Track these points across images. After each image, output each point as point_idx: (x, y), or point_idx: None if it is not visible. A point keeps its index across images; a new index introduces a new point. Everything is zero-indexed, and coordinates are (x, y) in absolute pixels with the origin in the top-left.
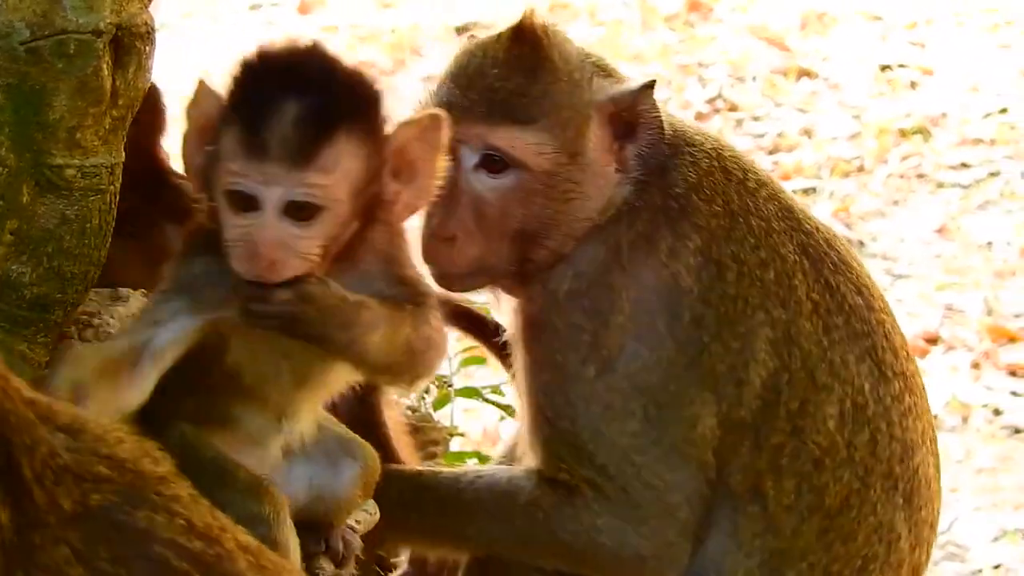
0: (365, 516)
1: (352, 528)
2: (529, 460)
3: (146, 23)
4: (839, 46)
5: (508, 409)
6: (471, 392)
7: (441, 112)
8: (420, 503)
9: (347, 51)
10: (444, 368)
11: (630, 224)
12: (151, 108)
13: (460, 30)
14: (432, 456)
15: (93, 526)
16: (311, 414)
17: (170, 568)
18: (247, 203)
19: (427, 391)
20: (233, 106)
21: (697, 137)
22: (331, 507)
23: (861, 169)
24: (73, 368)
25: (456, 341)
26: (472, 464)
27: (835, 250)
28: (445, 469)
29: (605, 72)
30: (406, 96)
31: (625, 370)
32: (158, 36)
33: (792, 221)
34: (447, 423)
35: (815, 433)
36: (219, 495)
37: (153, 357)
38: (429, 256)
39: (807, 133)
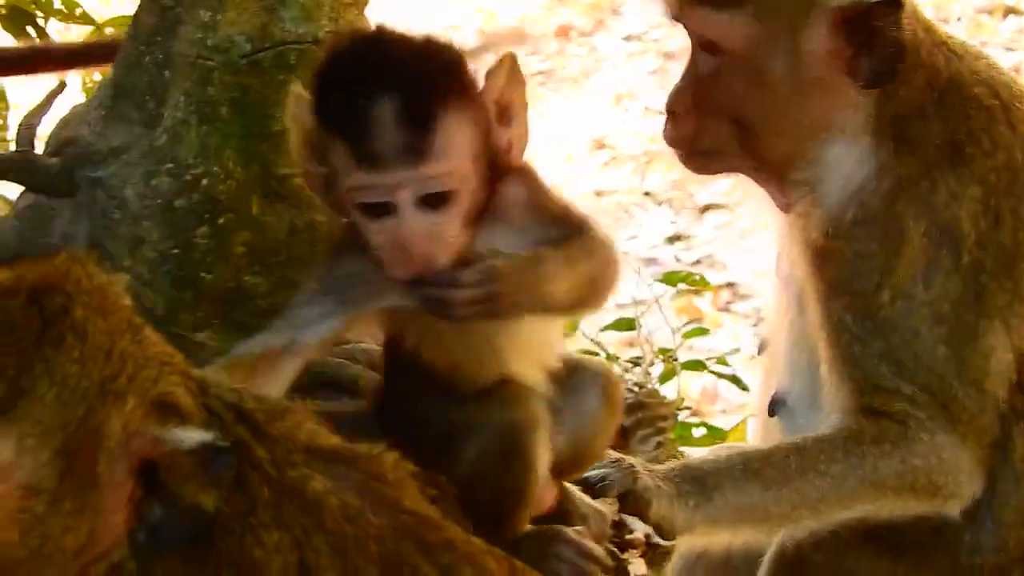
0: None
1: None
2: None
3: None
4: None
5: (735, 380)
6: (697, 364)
7: (511, 51)
8: (726, 483)
9: (547, 14)
10: (668, 342)
11: (909, 155)
12: None
13: None
14: (662, 431)
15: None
16: (533, 368)
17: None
18: (381, 210)
19: (652, 365)
20: (329, 121)
21: (977, 85)
22: (587, 434)
23: None
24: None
25: (677, 315)
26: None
27: None
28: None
29: None
30: (608, 55)
31: (922, 298)
32: None
33: None
34: (673, 396)
35: None
36: (478, 410)
37: (294, 357)
38: (664, 133)
39: (1016, 70)
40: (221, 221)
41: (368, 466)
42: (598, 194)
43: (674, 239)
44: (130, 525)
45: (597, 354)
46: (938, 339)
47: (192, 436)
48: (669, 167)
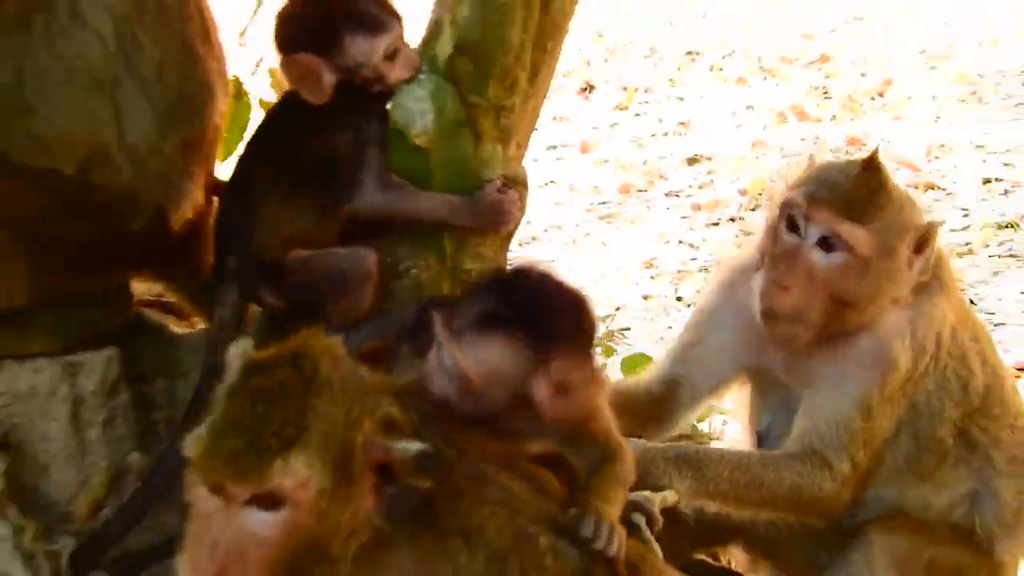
0: (665, 497)
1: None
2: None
3: (524, 173)
4: (954, 167)
5: None
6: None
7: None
8: (723, 474)
9: (613, 178)
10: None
11: (917, 309)
12: None
13: (691, 161)
14: None
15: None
16: None
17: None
18: None
19: None
20: None
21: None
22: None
23: (971, 251)
24: None
25: None
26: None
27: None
28: (733, 452)
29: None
30: (656, 205)
31: (924, 410)
32: None
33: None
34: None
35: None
36: None
37: None
38: (766, 297)
39: None
40: None
41: (526, 470)
42: (645, 298)
43: None
44: (375, 503)
45: None
46: (903, 443)
47: (410, 447)
48: (697, 282)
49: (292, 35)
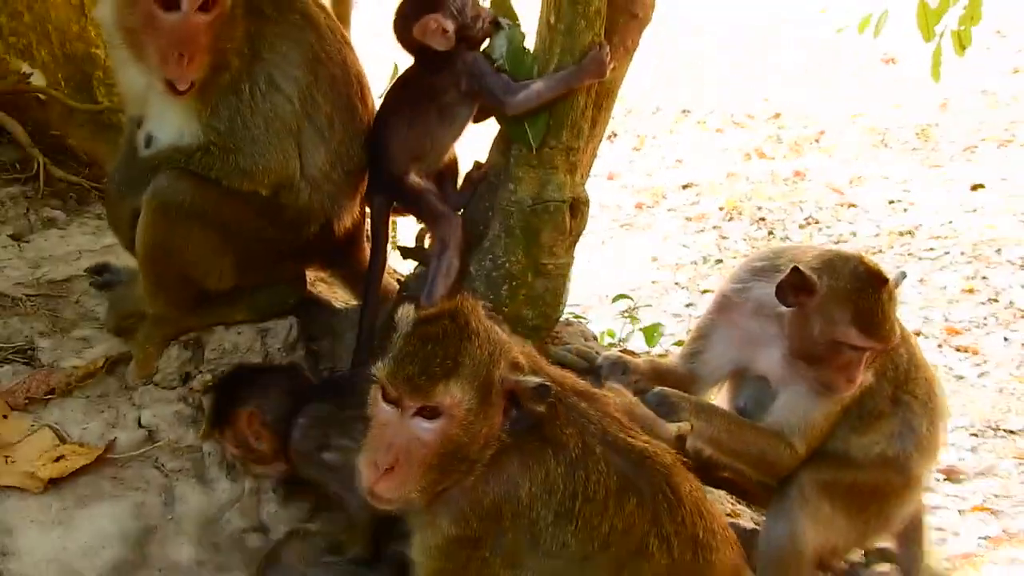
0: (680, 426)
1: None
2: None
3: (586, 195)
4: (868, 191)
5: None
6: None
7: None
8: (722, 426)
9: (629, 198)
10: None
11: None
12: None
13: (684, 186)
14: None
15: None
16: None
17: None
18: None
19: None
20: None
21: None
22: None
23: (880, 251)
24: None
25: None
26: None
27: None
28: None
29: None
30: (660, 217)
31: (868, 393)
32: None
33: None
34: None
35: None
36: None
37: None
38: (844, 385)
39: (853, 235)
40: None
41: (606, 408)
42: (653, 283)
43: (688, 305)
44: (503, 421)
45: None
46: (846, 425)
47: (533, 379)
48: (689, 271)
49: (411, 8)
